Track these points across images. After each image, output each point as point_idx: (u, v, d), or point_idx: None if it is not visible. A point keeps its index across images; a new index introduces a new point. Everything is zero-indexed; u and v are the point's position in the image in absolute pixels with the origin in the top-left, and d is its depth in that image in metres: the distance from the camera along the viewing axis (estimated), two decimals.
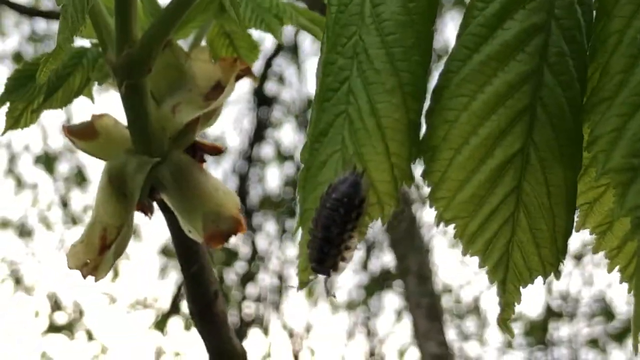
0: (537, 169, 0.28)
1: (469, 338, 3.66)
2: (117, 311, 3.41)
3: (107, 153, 0.46)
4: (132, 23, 0.43)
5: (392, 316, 3.33)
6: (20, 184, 3.36)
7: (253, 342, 3.72)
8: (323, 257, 0.28)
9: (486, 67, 0.28)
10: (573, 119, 0.28)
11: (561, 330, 3.71)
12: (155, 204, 0.47)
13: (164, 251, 3.14)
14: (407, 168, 0.28)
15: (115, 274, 3.37)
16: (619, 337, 3.34)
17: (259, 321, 3.69)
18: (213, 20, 0.48)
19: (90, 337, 3.43)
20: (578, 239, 3.70)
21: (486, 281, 0.30)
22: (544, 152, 0.28)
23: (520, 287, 0.29)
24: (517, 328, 3.80)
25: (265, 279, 3.73)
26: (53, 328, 3.31)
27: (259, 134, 2.89)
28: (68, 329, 3.38)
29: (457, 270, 3.60)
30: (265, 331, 3.63)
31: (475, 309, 3.65)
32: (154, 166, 0.45)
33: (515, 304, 0.29)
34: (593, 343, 3.50)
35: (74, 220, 3.01)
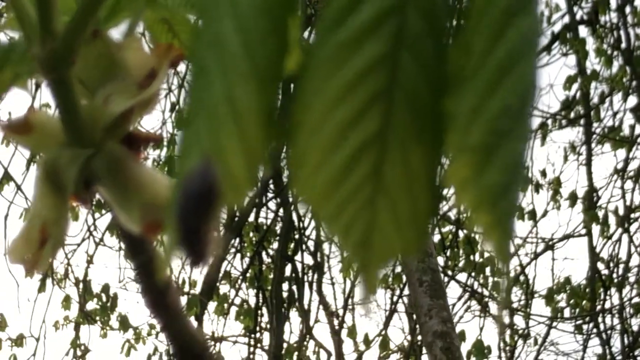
0: (396, 151, 0.29)
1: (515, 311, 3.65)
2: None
3: (43, 146, 0.48)
4: (54, 15, 0.44)
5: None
6: None
7: (293, 322, 3.74)
8: (190, 245, 0.29)
9: (341, 51, 0.29)
10: (432, 99, 0.29)
11: (610, 299, 3.67)
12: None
13: None
14: (263, 152, 0.29)
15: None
16: None
17: (297, 301, 3.70)
18: (145, 8, 0.49)
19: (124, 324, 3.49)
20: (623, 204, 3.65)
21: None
22: (403, 133, 0.29)
23: (382, 268, 0.30)
24: (563, 299, 3.78)
25: (303, 258, 3.74)
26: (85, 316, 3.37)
27: None
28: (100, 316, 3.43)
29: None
30: (305, 311, 3.64)
31: (517, 281, 3.64)
32: (87, 158, 0.46)
33: (376, 285, 0.30)
34: None
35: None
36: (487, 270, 3.60)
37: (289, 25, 0.29)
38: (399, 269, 3.36)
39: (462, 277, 3.71)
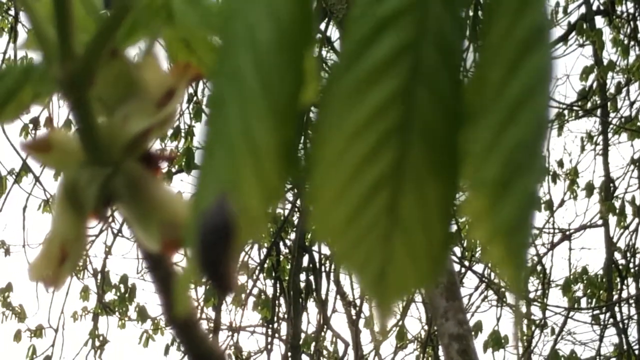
0: (411, 185, 0.29)
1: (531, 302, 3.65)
2: None
3: (62, 165, 0.48)
4: (73, 36, 0.44)
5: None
6: None
7: (311, 313, 3.74)
8: (216, 279, 0.30)
9: (359, 86, 0.29)
10: (447, 133, 0.29)
11: (627, 289, 3.66)
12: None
13: None
14: (279, 189, 0.29)
15: None
16: None
17: (315, 291, 3.70)
18: (163, 26, 0.50)
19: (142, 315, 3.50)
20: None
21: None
22: (418, 167, 0.29)
23: (398, 302, 0.30)
24: (580, 289, 3.78)
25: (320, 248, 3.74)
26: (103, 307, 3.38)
27: None
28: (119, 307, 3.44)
29: None
30: (322, 301, 3.65)
31: (534, 271, 3.63)
32: (107, 177, 0.46)
33: (392, 318, 0.31)
34: None
35: None
36: None
37: (305, 59, 0.29)
38: None
39: (478, 267, 3.71)
